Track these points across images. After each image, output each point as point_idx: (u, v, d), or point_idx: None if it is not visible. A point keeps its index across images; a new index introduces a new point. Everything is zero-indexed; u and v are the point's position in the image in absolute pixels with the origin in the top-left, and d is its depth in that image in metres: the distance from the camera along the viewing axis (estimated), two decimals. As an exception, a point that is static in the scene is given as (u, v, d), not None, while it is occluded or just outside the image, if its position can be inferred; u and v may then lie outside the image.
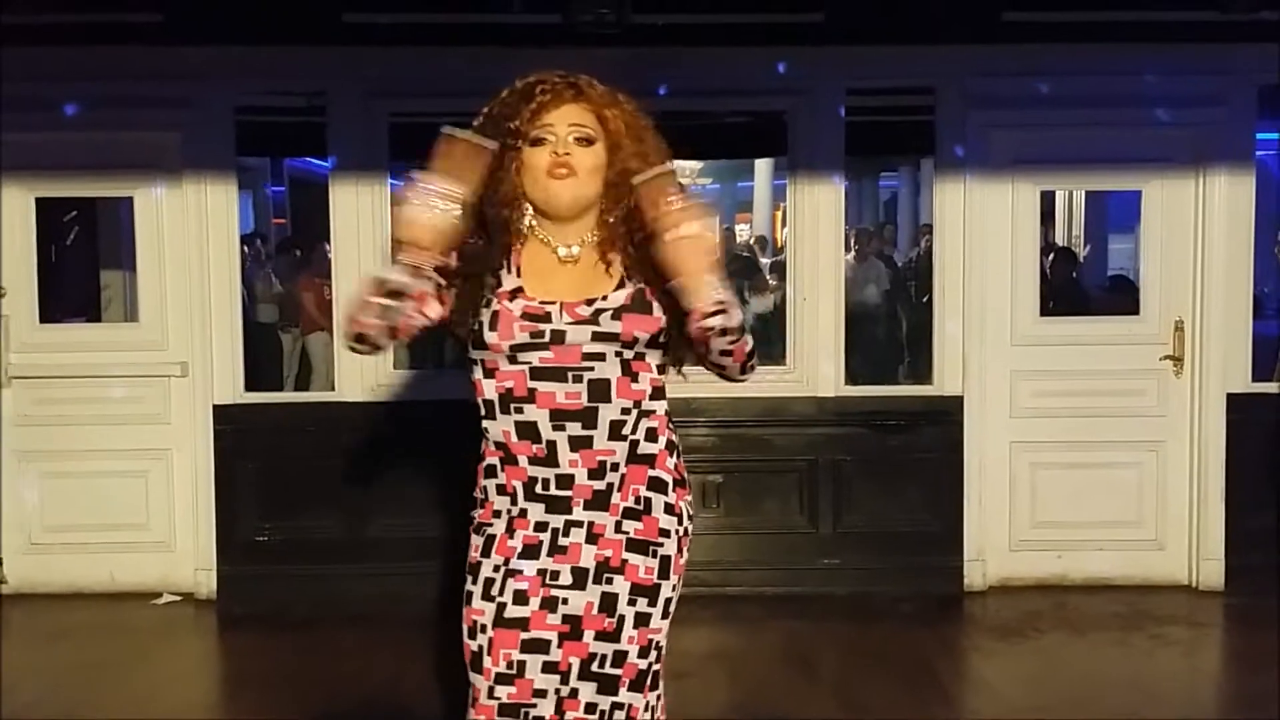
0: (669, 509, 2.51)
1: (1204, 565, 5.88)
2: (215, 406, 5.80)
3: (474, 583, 2.50)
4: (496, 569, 2.47)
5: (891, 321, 9.75)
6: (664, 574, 2.49)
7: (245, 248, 6.29)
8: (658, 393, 2.50)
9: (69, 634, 5.45)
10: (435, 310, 2.35)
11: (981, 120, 5.76)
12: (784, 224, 12.26)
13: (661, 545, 2.49)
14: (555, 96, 2.44)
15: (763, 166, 15.28)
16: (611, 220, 2.47)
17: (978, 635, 5.49)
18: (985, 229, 5.83)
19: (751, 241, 14.05)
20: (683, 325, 2.41)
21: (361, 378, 5.75)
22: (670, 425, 2.56)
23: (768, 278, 10.12)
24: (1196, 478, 5.90)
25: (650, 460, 2.50)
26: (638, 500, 2.48)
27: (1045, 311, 6.00)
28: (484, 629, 2.46)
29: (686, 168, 16.53)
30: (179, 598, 5.87)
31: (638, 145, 2.46)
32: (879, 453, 5.88)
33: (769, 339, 8.90)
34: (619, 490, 2.46)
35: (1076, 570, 5.94)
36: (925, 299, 7.69)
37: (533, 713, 2.46)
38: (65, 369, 5.86)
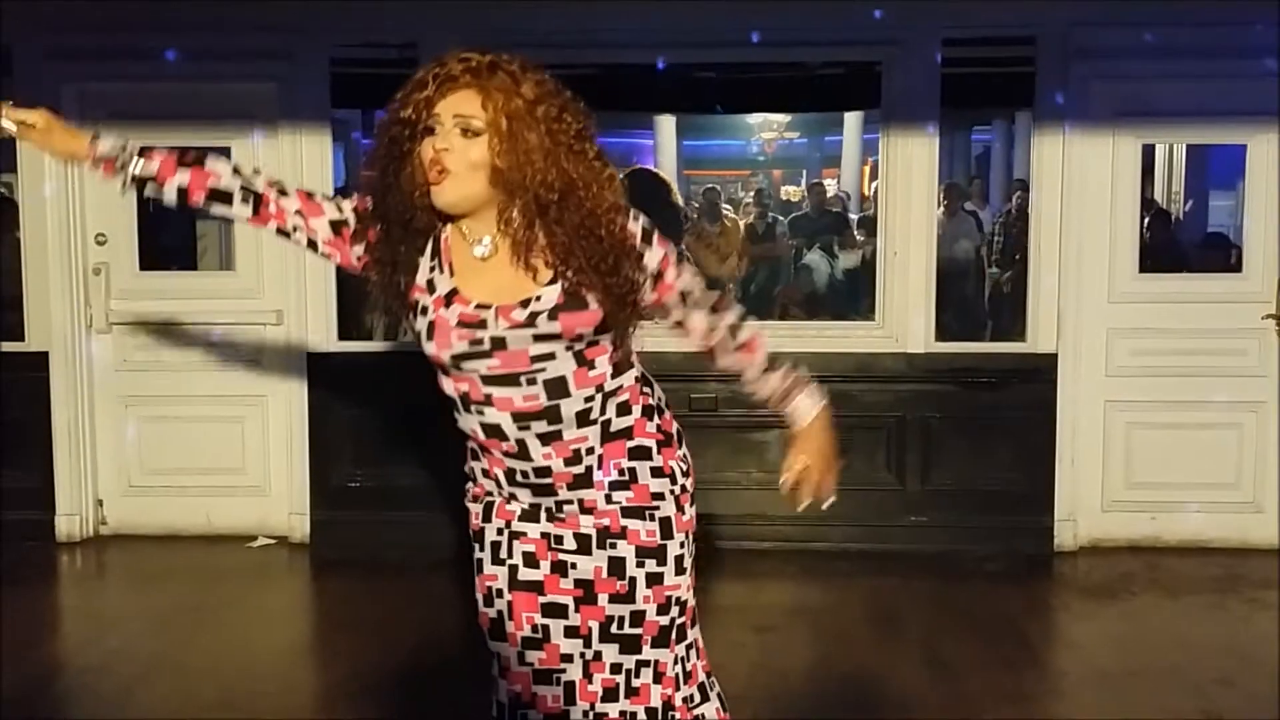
0: (657, 472, 2.45)
1: (1302, 529, 5.76)
2: (309, 354, 5.89)
3: (481, 549, 2.49)
4: (500, 532, 2.46)
5: (982, 278, 9.60)
6: (667, 534, 2.45)
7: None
8: (620, 368, 2.41)
9: (166, 575, 5.60)
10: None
11: (1083, 72, 5.63)
12: (873, 178, 12.10)
13: (657, 509, 2.44)
14: (449, 82, 2.28)
15: (852, 120, 15.04)
16: (512, 224, 2.31)
17: (1067, 595, 5.44)
18: (1084, 183, 5.71)
19: (839, 195, 13.90)
20: (623, 305, 2.33)
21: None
22: (646, 389, 2.48)
23: (855, 233, 10.02)
24: (1296, 440, 5.77)
25: (627, 433, 2.43)
26: (621, 473, 2.43)
27: (1144, 268, 5.87)
28: (500, 594, 2.45)
29: (774, 121, 16.38)
30: (273, 541, 6.00)
31: (508, 143, 2.25)
32: (969, 410, 5.82)
33: (856, 294, 8.84)
34: (599, 469, 2.41)
35: (1170, 532, 5.85)
36: (1018, 255, 7.56)
37: (563, 678, 2.45)
38: (164, 316, 5.98)
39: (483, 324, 2.30)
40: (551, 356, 2.32)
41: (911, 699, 4.17)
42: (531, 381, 2.33)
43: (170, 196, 2.46)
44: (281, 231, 2.49)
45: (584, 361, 2.35)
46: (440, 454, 5.89)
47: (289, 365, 5.94)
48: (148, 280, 6.05)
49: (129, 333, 6.02)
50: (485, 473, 2.46)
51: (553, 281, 2.31)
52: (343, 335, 6.02)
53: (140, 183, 2.45)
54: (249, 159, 5.88)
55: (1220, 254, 7.18)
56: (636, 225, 2.36)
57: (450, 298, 2.34)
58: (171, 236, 6.89)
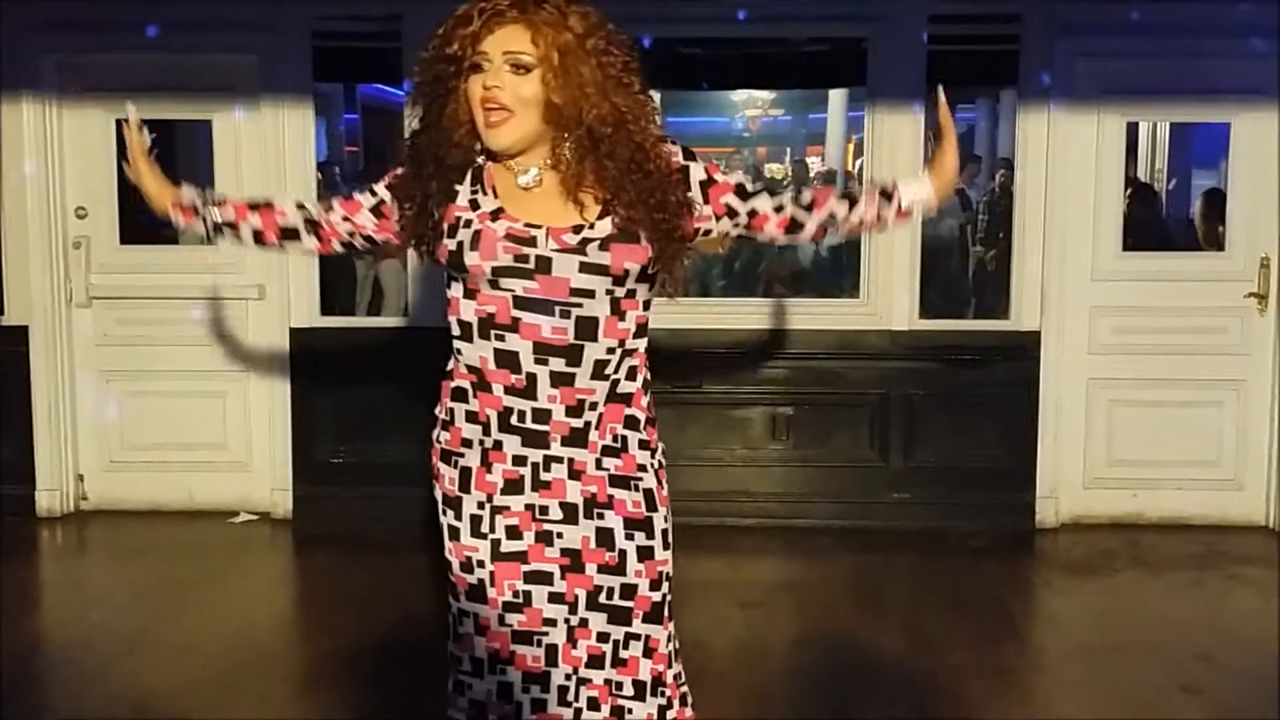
0: (643, 444, 2.47)
1: (1282, 506, 5.80)
2: (292, 329, 5.87)
3: (458, 518, 2.46)
4: (481, 505, 2.44)
5: (966, 255, 9.60)
6: (651, 507, 2.46)
7: (320, 175, 6.31)
8: (641, 330, 2.43)
9: (148, 551, 5.58)
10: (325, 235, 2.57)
11: (1068, 49, 5.63)
12: (857, 156, 12.06)
13: (641, 479, 2.45)
14: (495, 17, 2.26)
15: (836, 98, 14.97)
16: (565, 157, 2.32)
17: (1049, 572, 5.46)
18: (1068, 161, 5.72)
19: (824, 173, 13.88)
20: (669, 250, 2.34)
21: (434, 305, 5.77)
22: (648, 363, 2.49)
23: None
24: (1278, 417, 5.79)
25: (627, 399, 2.44)
26: (615, 438, 2.43)
27: (1127, 246, 5.88)
28: (481, 564, 2.44)
29: (758, 98, 16.33)
30: (256, 517, 5.98)
31: (563, 79, 2.25)
32: (952, 387, 5.83)
33: (841, 272, 8.82)
34: (596, 428, 2.40)
35: (1152, 509, 5.88)
36: (1002, 233, 7.55)
37: (545, 640, 2.45)
38: (145, 290, 5.94)
39: (532, 241, 2.30)
40: (590, 294, 2.32)
41: (894, 674, 4.19)
42: (565, 314, 2.32)
43: (246, 237, 2.63)
44: (345, 245, 2.60)
45: (618, 310, 2.36)
46: (423, 430, 5.90)
47: (271, 340, 5.91)
48: (129, 254, 6.00)
49: (110, 307, 5.98)
50: (472, 415, 2.43)
51: (603, 215, 2.32)
52: (326, 310, 5.99)
53: (219, 227, 2.63)
54: (230, 133, 5.86)
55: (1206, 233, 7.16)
56: (677, 147, 2.40)
57: (497, 214, 2.34)
58: (152, 210, 6.83)
